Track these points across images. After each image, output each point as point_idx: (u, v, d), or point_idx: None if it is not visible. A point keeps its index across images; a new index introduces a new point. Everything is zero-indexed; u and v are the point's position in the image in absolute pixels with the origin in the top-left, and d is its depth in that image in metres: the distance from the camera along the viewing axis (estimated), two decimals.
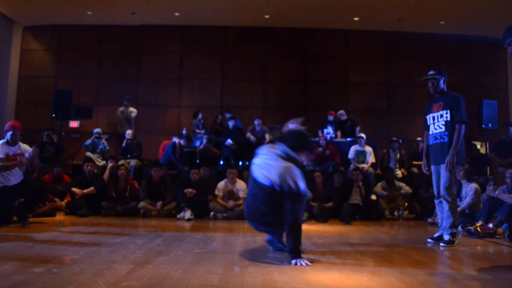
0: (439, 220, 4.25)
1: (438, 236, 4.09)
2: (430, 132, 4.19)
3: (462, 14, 9.90)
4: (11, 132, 4.88)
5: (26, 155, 4.91)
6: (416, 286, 2.37)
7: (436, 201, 4.22)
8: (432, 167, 4.20)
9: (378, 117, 11.07)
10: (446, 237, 3.91)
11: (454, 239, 3.92)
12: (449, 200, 3.94)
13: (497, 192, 4.71)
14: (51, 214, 5.75)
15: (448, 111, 4.00)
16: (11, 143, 4.90)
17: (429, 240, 4.14)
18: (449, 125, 3.98)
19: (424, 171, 4.37)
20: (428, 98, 11.01)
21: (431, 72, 4.19)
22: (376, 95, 11.31)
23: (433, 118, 4.16)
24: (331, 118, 9.18)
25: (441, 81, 4.13)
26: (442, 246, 3.85)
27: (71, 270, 2.53)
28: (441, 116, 4.07)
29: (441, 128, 4.06)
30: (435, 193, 4.18)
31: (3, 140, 4.92)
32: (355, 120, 9.35)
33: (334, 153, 8.07)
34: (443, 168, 3.95)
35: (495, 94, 10.07)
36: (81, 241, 3.71)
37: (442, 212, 4.08)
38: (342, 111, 9.28)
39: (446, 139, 3.98)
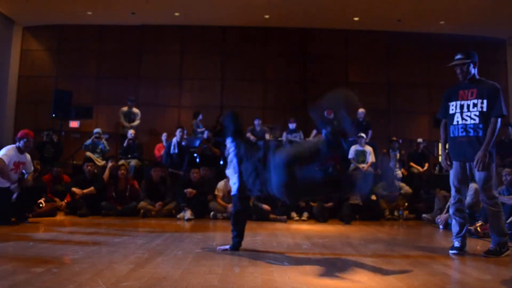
0: (453, 228, 3.68)
1: (461, 246, 3.59)
2: (455, 122, 3.58)
3: (462, 14, 9.90)
4: (25, 140, 4.92)
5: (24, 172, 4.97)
6: (416, 286, 2.37)
7: (452, 201, 3.67)
8: (456, 163, 3.62)
9: (378, 117, 11.06)
10: (492, 246, 3.44)
11: (503, 249, 3.41)
12: (489, 204, 3.46)
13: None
14: (51, 214, 5.75)
15: (485, 101, 3.44)
16: (23, 150, 4.95)
17: (451, 252, 3.58)
18: (485, 117, 3.43)
19: (444, 165, 3.77)
20: (427, 98, 11.18)
21: (458, 57, 3.61)
22: (376, 95, 11.29)
23: (462, 106, 3.56)
24: (331, 116, 9.12)
25: (471, 66, 3.56)
26: (484, 256, 3.41)
27: (71, 270, 2.53)
28: (474, 105, 3.48)
29: (473, 119, 3.48)
30: (454, 192, 3.64)
31: (14, 146, 4.97)
32: (370, 123, 8.96)
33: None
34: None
35: None
36: (81, 241, 3.71)
37: (461, 218, 3.61)
38: (362, 110, 8.78)
39: (481, 132, 3.44)
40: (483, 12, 9.65)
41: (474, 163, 3.42)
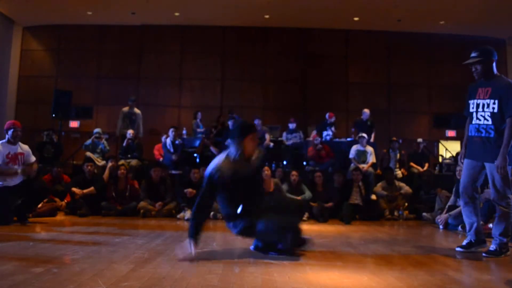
0: (461, 227, 3.77)
1: (467, 244, 3.54)
2: (472, 122, 3.51)
3: (462, 14, 9.91)
4: (12, 130, 4.89)
5: (28, 157, 4.98)
6: (416, 286, 2.37)
7: (461, 202, 3.63)
8: (466, 161, 3.56)
9: (378, 117, 11.07)
10: (493, 246, 3.40)
11: (504, 250, 3.37)
12: (502, 205, 3.38)
13: None
14: (51, 214, 5.74)
15: (496, 101, 3.34)
16: (12, 141, 4.91)
17: (458, 249, 3.57)
18: (497, 118, 3.34)
19: (460, 163, 3.74)
20: (427, 98, 11.18)
21: (473, 55, 3.49)
22: (376, 95, 11.31)
23: (477, 105, 3.47)
24: (331, 120, 9.11)
25: (487, 64, 3.47)
26: (484, 256, 3.36)
27: (71, 270, 2.53)
28: (488, 105, 3.39)
29: (486, 120, 3.40)
30: (462, 191, 3.56)
31: (3, 140, 4.92)
32: (374, 124, 8.97)
33: (329, 152, 8.10)
34: (489, 168, 3.40)
35: None
36: (81, 241, 3.71)
37: (469, 217, 3.56)
38: (367, 110, 8.91)
39: (493, 134, 3.36)
40: (483, 12, 9.66)
41: (491, 164, 3.35)
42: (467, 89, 3.64)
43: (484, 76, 3.47)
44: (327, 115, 9.18)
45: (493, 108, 3.36)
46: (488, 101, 3.40)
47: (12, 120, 5.10)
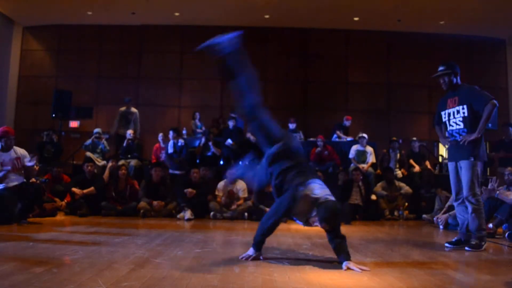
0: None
1: (456, 240, 3.81)
2: (447, 129, 3.91)
3: (462, 14, 9.90)
4: (5, 139, 4.89)
5: (29, 163, 4.95)
6: (416, 286, 2.37)
7: (454, 203, 3.94)
8: (449, 164, 3.92)
9: (378, 117, 11.08)
10: (473, 241, 3.65)
11: (482, 243, 3.65)
12: (472, 202, 3.65)
13: (497, 192, 4.71)
14: (51, 214, 5.74)
15: (465, 106, 3.71)
16: (5, 149, 4.91)
17: (446, 244, 3.83)
18: (467, 121, 3.70)
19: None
20: (427, 98, 11.19)
21: (441, 68, 3.90)
22: (376, 95, 11.31)
23: (449, 114, 3.87)
24: (347, 123, 9.10)
25: (452, 76, 3.84)
26: (467, 250, 3.61)
27: (71, 270, 2.53)
28: (458, 112, 3.78)
29: (458, 124, 3.77)
30: (453, 193, 3.90)
31: None
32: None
33: (332, 154, 8.08)
34: (464, 167, 3.70)
35: (495, 94, 9.96)
36: (81, 241, 3.71)
37: (462, 215, 3.80)
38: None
39: (464, 135, 3.73)
40: (483, 12, 9.66)
41: (465, 162, 3.69)
42: (438, 104, 4.07)
43: (451, 86, 3.87)
44: (344, 118, 9.22)
45: (464, 113, 3.75)
46: (458, 108, 3.79)
47: (4, 128, 5.05)
